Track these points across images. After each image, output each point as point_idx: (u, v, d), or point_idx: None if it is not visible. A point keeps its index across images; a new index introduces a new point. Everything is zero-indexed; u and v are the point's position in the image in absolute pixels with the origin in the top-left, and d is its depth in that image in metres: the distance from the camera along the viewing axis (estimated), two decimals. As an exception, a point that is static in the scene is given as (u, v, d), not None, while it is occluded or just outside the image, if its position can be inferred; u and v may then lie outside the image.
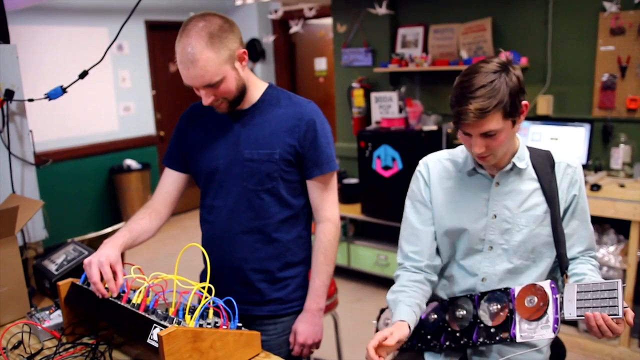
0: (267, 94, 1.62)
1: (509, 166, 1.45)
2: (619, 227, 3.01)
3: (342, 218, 3.99)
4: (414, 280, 1.53)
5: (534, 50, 3.47)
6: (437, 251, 1.58)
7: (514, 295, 1.39)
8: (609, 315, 1.18)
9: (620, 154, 3.14)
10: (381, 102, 4.02)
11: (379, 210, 3.84)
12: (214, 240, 1.67)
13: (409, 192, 1.62)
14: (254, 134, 1.59)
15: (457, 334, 1.44)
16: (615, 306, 1.18)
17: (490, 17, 3.55)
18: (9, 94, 1.80)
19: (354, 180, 4.23)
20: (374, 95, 4.08)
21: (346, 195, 4.15)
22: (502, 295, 1.41)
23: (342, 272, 4.16)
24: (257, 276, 1.64)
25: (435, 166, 1.58)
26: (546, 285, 1.33)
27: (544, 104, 3.42)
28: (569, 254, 1.48)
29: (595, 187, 2.93)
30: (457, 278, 1.55)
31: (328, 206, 1.66)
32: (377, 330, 1.60)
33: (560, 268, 1.47)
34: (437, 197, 1.55)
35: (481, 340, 1.39)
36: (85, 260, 1.38)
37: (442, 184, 1.55)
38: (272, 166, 1.57)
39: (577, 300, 1.24)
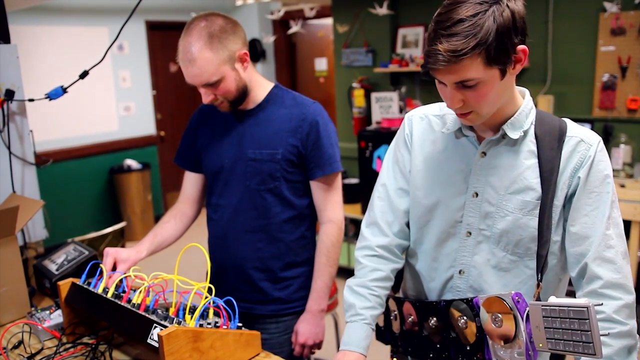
0: (272, 94, 1.63)
1: (499, 133, 1.13)
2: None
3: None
4: (376, 279, 1.28)
5: (535, 51, 3.47)
6: (407, 226, 1.33)
7: (478, 306, 1.12)
8: (584, 353, 0.91)
9: (620, 154, 3.14)
10: (381, 102, 4.02)
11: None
12: (218, 238, 1.69)
13: (391, 146, 1.36)
14: (257, 134, 1.59)
15: (438, 346, 1.24)
16: (589, 343, 0.90)
17: (490, 17, 3.55)
18: (10, 94, 1.80)
19: (354, 180, 4.24)
20: (374, 95, 4.08)
21: (347, 195, 4.15)
22: (465, 308, 1.15)
23: (343, 271, 4.16)
24: (259, 275, 1.65)
25: (419, 124, 1.29)
26: (508, 299, 1.05)
27: (544, 104, 3.42)
28: (575, 269, 1.12)
29: (595, 188, 2.93)
30: (430, 271, 1.29)
31: (331, 207, 1.66)
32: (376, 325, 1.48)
33: (536, 273, 1.14)
34: (416, 165, 1.27)
35: (460, 359, 1.19)
36: (106, 249, 1.50)
37: (424, 148, 1.26)
38: (274, 166, 1.57)
39: (545, 328, 0.96)
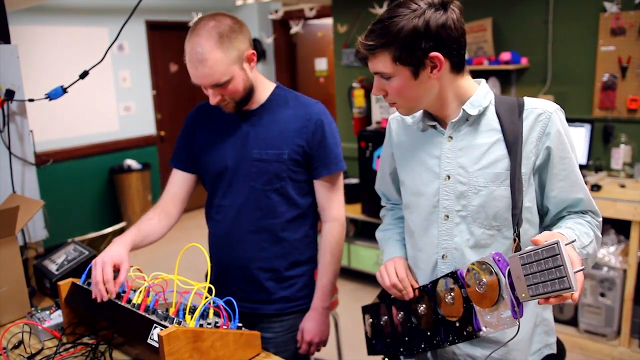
0: (275, 95, 1.63)
1: (459, 115, 1.23)
2: (620, 228, 3.01)
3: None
4: (398, 218, 1.51)
5: (535, 51, 3.47)
6: None
7: (462, 277, 1.17)
8: (561, 290, 0.95)
9: (620, 154, 3.14)
10: (382, 102, 4.02)
11: (380, 210, 3.83)
12: (222, 239, 1.68)
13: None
14: (262, 134, 1.60)
15: (428, 333, 1.27)
16: (563, 277, 0.94)
17: (490, 17, 3.55)
18: (10, 94, 1.80)
19: (354, 181, 4.23)
20: (374, 95, 4.07)
21: (347, 196, 4.13)
22: (450, 282, 1.21)
23: (343, 272, 4.16)
24: (264, 275, 1.65)
25: (395, 125, 1.41)
26: (489, 259, 1.10)
27: (545, 104, 3.42)
28: (552, 215, 1.28)
29: (595, 187, 2.93)
30: (417, 259, 1.37)
31: (335, 206, 1.67)
32: (365, 332, 1.52)
33: (513, 230, 1.23)
34: (398, 161, 1.40)
35: (451, 338, 1.21)
36: (93, 262, 1.40)
37: (401, 144, 1.38)
38: (280, 166, 1.58)
39: (524, 276, 1.01)
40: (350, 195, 4.14)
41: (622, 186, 2.98)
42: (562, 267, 0.94)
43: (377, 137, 3.73)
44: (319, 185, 1.65)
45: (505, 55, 3.43)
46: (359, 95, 4.21)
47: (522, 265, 1.01)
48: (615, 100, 3.19)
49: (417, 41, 1.11)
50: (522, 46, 3.51)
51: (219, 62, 1.44)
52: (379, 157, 3.72)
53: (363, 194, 3.97)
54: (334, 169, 1.63)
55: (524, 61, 3.46)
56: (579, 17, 3.27)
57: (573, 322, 3.15)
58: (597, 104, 3.26)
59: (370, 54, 1.16)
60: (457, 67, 1.19)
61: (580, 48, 3.30)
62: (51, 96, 1.85)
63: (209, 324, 1.28)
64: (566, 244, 0.96)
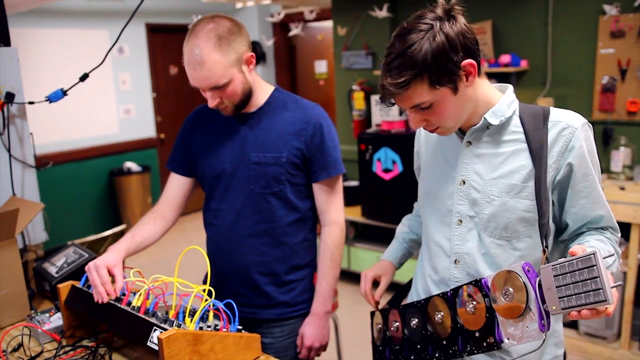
0: (274, 97, 1.62)
1: (480, 123, 1.21)
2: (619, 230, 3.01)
3: (343, 221, 3.98)
4: (418, 215, 1.54)
5: (534, 53, 3.47)
6: None
7: (487, 287, 1.12)
8: (596, 302, 0.92)
9: (620, 157, 3.14)
10: (381, 104, 4.02)
11: (380, 212, 3.84)
12: (220, 244, 1.66)
13: None
14: (260, 137, 1.59)
15: (444, 342, 1.23)
16: (599, 289, 0.91)
17: (490, 19, 3.56)
18: (10, 97, 1.80)
19: (354, 183, 4.24)
20: (374, 97, 4.08)
21: (347, 198, 4.15)
22: (473, 290, 1.16)
23: (343, 274, 4.16)
24: (264, 279, 1.64)
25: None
26: (518, 269, 1.05)
27: (544, 107, 3.42)
28: (572, 231, 1.24)
29: (595, 190, 2.93)
30: (433, 261, 1.36)
31: (334, 209, 1.66)
32: (372, 338, 1.51)
33: (540, 241, 1.21)
34: (423, 162, 1.41)
35: (469, 349, 1.16)
36: (86, 267, 1.40)
37: (428, 147, 1.39)
38: (279, 169, 1.57)
39: (556, 287, 0.97)
40: (350, 198, 4.14)
41: (622, 189, 2.98)
42: (598, 278, 0.91)
43: (377, 139, 3.73)
44: (318, 189, 1.64)
45: (505, 58, 3.44)
46: (358, 97, 4.21)
47: (554, 276, 0.98)
48: (614, 102, 3.19)
49: (448, 57, 1.08)
50: (521, 49, 3.51)
51: (218, 65, 1.43)
52: (379, 159, 3.72)
53: (363, 196, 3.97)
54: (333, 173, 1.62)
55: (524, 64, 3.47)
56: (579, 19, 3.27)
57: (573, 324, 3.15)
58: (597, 106, 3.26)
59: (403, 91, 1.10)
60: (479, 68, 1.17)
61: (579, 51, 3.30)
62: (51, 99, 1.85)
63: (208, 326, 1.28)
64: (604, 257, 0.93)
